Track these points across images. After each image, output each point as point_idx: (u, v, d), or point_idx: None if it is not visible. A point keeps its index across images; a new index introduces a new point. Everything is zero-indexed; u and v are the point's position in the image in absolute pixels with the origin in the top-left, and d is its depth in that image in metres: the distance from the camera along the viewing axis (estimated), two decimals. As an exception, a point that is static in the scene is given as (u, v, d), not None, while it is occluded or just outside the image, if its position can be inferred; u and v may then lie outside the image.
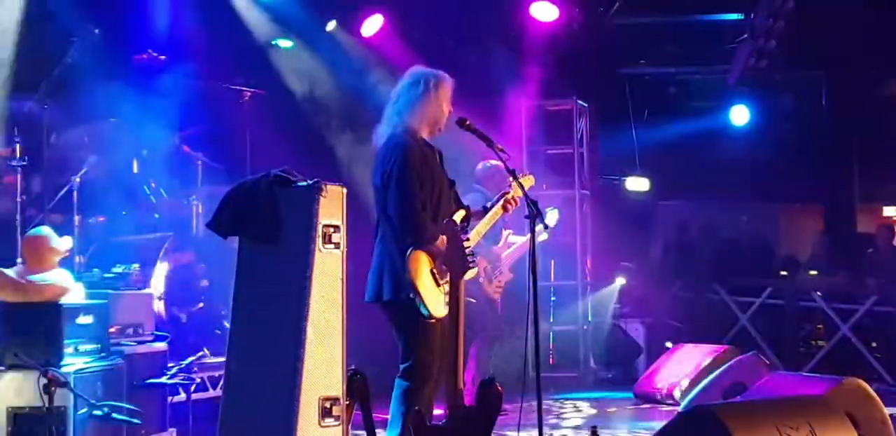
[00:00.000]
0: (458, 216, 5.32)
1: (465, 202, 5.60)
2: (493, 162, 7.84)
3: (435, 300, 5.12)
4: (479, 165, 8.06)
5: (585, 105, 11.00)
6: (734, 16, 11.00)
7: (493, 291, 7.50)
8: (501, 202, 5.61)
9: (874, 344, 10.12)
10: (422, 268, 5.11)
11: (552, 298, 10.95)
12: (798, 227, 13.60)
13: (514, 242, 7.64)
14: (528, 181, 5.87)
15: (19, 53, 7.36)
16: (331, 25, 9.76)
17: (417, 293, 5.06)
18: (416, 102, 5.29)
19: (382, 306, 5.24)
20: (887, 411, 5.49)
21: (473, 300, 7.30)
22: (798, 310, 10.70)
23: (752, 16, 10.61)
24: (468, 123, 5.35)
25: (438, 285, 5.15)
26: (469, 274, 5.13)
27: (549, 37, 10.44)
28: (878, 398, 5.51)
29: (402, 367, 5.24)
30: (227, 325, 5.23)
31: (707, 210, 11.58)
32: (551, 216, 7.73)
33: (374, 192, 5.30)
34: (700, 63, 11.43)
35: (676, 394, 8.40)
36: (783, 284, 10.89)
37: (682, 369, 8.67)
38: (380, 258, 5.24)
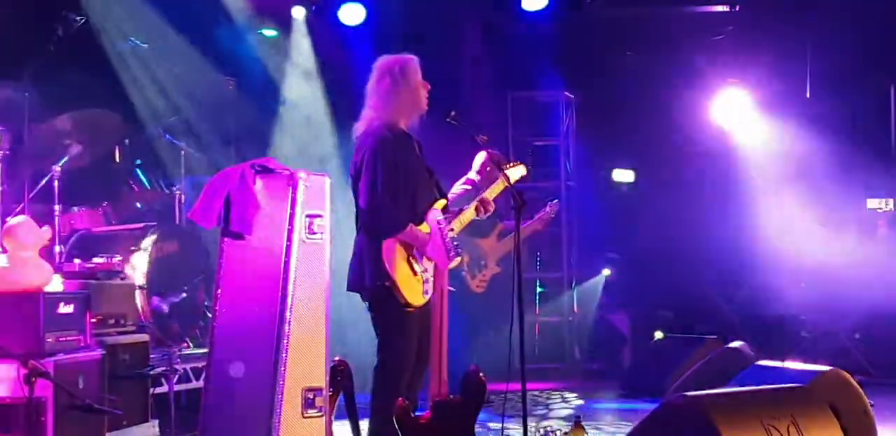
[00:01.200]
0: (439, 205, 5.33)
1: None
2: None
3: (411, 289, 5.14)
4: (484, 154, 8.03)
5: (572, 96, 11.00)
6: (720, 7, 10.99)
7: (475, 286, 7.46)
8: (475, 204, 5.62)
9: (857, 335, 10.14)
10: (396, 256, 5.13)
11: (538, 290, 10.96)
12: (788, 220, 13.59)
13: (509, 234, 7.62)
14: (520, 170, 5.87)
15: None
16: (300, 12, 9.73)
17: (393, 282, 5.08)
18: (386, 95, 5.32)
19: (362, 295, 5.24)
20: (869, 401, 5.49)
21: (453, 290, 7.29)
22: (783, 300, 10.70)
23: (738, 7, 10.62)
24: (453, 114, 5.36)
25: (415, 274, 5.16)
26: (453, 263, 5.13)
27: (537, 27, 10.42)
28: (860, 389, 5.51)
29: (379, 356, 5.25)
30: (210, 315, 5.21)
31: (692, 202, 11.55)
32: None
33: (351, 182, 5.31)
34: (686, 54, 11.40)
35: (661, 385, 8.40)
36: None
37: (667, 359, 8.68)
38: (358, 248, 5.26)
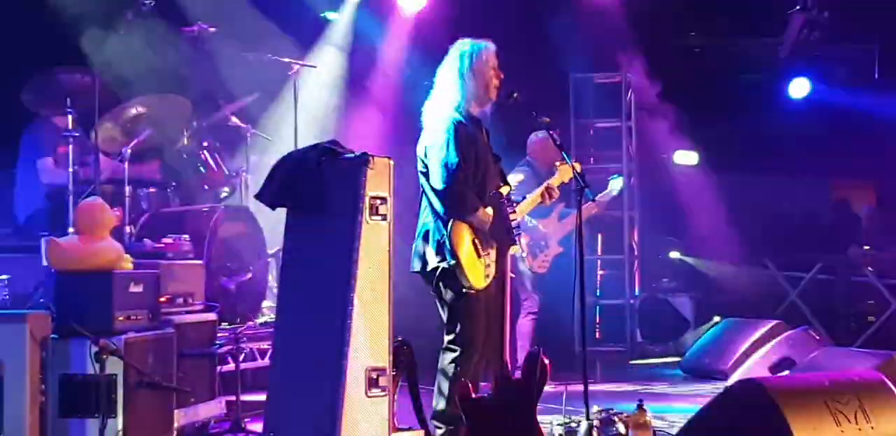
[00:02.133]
0: (504, 191, 5.35)
1: (512, 180, 5.64)
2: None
3: (476, 271, 5.16)
4: (533, 136, 8.02)
5: (634, 78, 10.92)
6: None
7: (537, 266, 7.47)
8: (540, 190, 5.66)
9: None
10: (463, 239, 5.15)
11: (599, 272, 10.94)
12: (856, 202, 13.44)
13: (570, 214, 7.63)
14: (573, 168, 5.85)
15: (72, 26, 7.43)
16: None
17: (459, 263, 5.10)
18: (459, 79, 5.32)
19: (425, 277, 5.28)
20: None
21: (513, 276, 7.32)
22: (849, 285, 10.61)
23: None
24: (516, 95, 5.37)
25: (479, 257, 5.19)
26: (512, 249, 5.16)
27: (599, 9, 10.35)
28: (928, 374, 5.45)
29: (446, 338, 5.28)
30: (275, 295, 5.27)
31: (756, 184, 11.45)
32: (615, 184, 7.71)
33: (420, 164, 5.33)
34: (751, 35, 11.28)
35: (724, 369, 8.36)
36: (834, 260, 10.79)
37: (730, 343, 8.63)
38: (423, 229, 5.29)
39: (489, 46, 5.39)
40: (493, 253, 5.27)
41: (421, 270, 5.28)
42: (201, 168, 7.88)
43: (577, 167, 5.48)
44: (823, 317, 10.43)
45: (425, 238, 5.26)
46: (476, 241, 5.21)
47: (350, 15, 9.89)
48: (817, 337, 8.08)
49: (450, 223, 5.14)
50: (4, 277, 6.14)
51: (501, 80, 5.39)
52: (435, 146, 5.22)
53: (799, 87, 11.68)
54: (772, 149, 11.43)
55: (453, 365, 5.22)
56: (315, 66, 8.94)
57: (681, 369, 9.09)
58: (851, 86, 11.08)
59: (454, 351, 5.24)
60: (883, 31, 10.80)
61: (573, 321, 7.25)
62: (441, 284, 5.24)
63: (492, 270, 5.26)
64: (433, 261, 5.19)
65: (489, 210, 5.26)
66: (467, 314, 5.22)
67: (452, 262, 5.11)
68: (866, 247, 11.06)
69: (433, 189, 5.22)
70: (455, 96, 5.31)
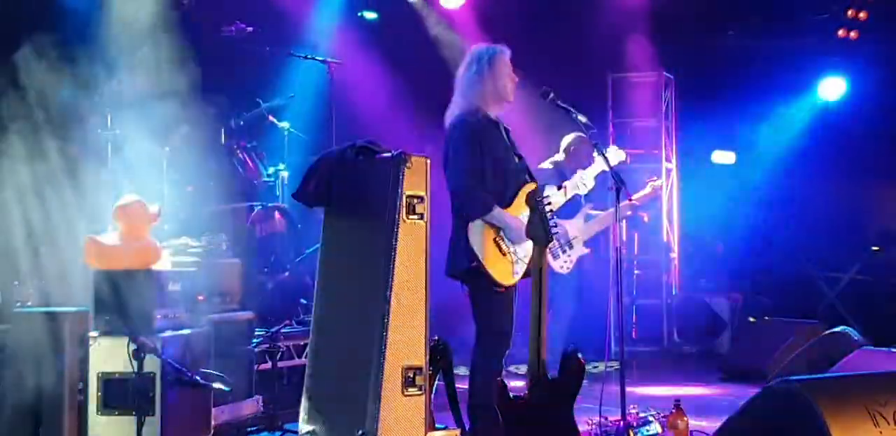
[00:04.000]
0: (528, 189, 5.36)
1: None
2: (580, 134, 7.82)
3: (500, 269, 5.21)
4: (572, 136, 8.01)
5: (672, 77, 10.89)
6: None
7: (559, 266, 7.43)
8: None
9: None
10: (483, 238, 5.21)
11: (635, 272, 10.90)
12: (890, 202, 13.32)
13: (597, 215, 7.59)
14: (619, 155, 5.92)
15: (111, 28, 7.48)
16: None
17: (480, 262, 5.15)
18: (474, 83, 5.43)
19: (457, 278, 5.33)
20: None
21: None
22: (889, 286, 10.51)
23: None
24: (552, 95, 5.41)
25: (504, 254, 5.21)
26: (550, 244, 5.15)
27: (637, 8, 10.32)
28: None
29: (478, 336, 5.31)
30: (312, 293, 5.29)
31: (795, 184, 11.38)
32: (655, 184, 7.67)
33: (444, 169, 5.41)
34: (789, 34, 11.22)
35: (762, 369, 8.31)
36: (874, 260, 10.70)
37: (768, 344, 8.57)
38: (452, 231, 5.36)
39: (505, 51, 5.51)
40: (522, 250, 5.28)
41: (452, 272, 5.33)
42: (239, 167, 7.92)
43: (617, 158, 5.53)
44: (862, 318, 10.34)
45: (454, 241, 5.33)
46: (497, 239, 5.25)
47: (387, 13, 9.91)
48: (855, 338, 8.00)
49: (469, 224, 5.21)
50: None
51: (516, 83, 5.48)
52: (451, 148, 5.32)
53: (833, 88, 11.59)
54: (809, 148, 11.35)
55: (486, 362, 5.25)
56: (350, 65, 8.96)
57: (718, 369, 9.04)
58: (891, 86, 10.98)
59: (485, 349, 5.28)
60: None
61: (609, 320, 7.23)
62: (471, 284, 5.31)
63: (521, 268, 5.28)
64: (461, 262, 5.24)
65: (515, 209, 5.28)
66: (497, 311, 5.29)
67: (474, 263, 5.16)
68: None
69: (450, 190, 5.30)
70: (473, 98, 5.41)
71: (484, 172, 5.27)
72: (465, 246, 5.21)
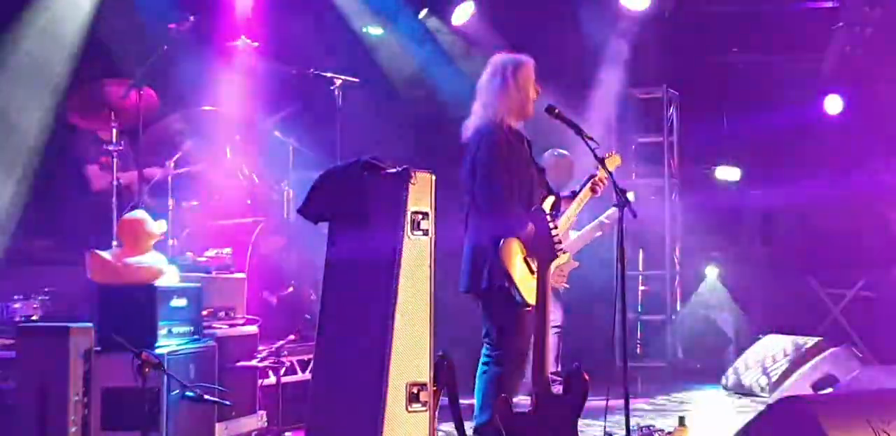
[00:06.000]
0: (548, 203, 5.34)
1: None
2: (564, 152, 7.81)
3: (529, 288, 5.10)
4: (547, 153, 7.95)
5: (676, 93, 10.91)
6: (828, 3, 10.82)
7: (554, 281, 7.40)
8: (589, 184, 5.63)
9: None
10: (515, 256, 5.13)
11: (640, 288, 10.89)
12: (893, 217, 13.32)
13: (582, 231, 7.56)
14: (615, 161, 5.84)
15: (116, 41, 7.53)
16: (422, 13, 9.86)
17: (512, 282, 5.08)
18: (497, 93, 5.33)
19: (476, 296, 5.26)
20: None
21: (567, 286, 7.32)
22: (893, 302, 10.48)
23: (847, 3, 10.42)
24: (557, 111, 5.36)
25: (532, 273, 5.14)
26: (561, 259, 5.11)
27: (640, 25, 10.34)
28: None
29: (493, 354, 5.26)
30: (317, 309, 5.29)
31: (798, 200, 11.36)
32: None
33: (463, 183, 5.33)
34: (792, 52, 11.24)
35: (766, 386, 8.29)
36: (877, 277, 10.68)
37: (772, 360, 8.56)
38: (472, 248, 5.27)
39: (530, 61, 5.41)
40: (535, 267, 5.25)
41: (471, 289, 5.26)
42: (243, 181, 7.92)
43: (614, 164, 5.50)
44: (866, 334, 10.32)
45: (475, 258, 5.24)
46: (527, 258, 5.17)
47: (392, 30, 9.95)
48: (860, 355, 8.00)
49: (501, 242, 5.12)
50: None
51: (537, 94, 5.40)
52: (480, 164, 5.23)
53: (833, 104, 11.59)
54: (812, 164, 11.34)
55: (499, 380, 5.20)
56: (357, 81, 8.99)
57: (722, 385, 9.02)
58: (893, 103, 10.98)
59: (501, 366, 5.23)
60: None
61: (614, 336, 7.21)
62: (495, 303, 5.21)
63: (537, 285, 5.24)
64: (487, 281, 5.17)
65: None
66: (519, 331, 5.20)
67: (506, 282, 5.09)
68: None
69: (481, 208, 5.22)
70: (492, 111, 5.31)
71: (513, 187, 5.20)
72: (495, 264, 5.12)
